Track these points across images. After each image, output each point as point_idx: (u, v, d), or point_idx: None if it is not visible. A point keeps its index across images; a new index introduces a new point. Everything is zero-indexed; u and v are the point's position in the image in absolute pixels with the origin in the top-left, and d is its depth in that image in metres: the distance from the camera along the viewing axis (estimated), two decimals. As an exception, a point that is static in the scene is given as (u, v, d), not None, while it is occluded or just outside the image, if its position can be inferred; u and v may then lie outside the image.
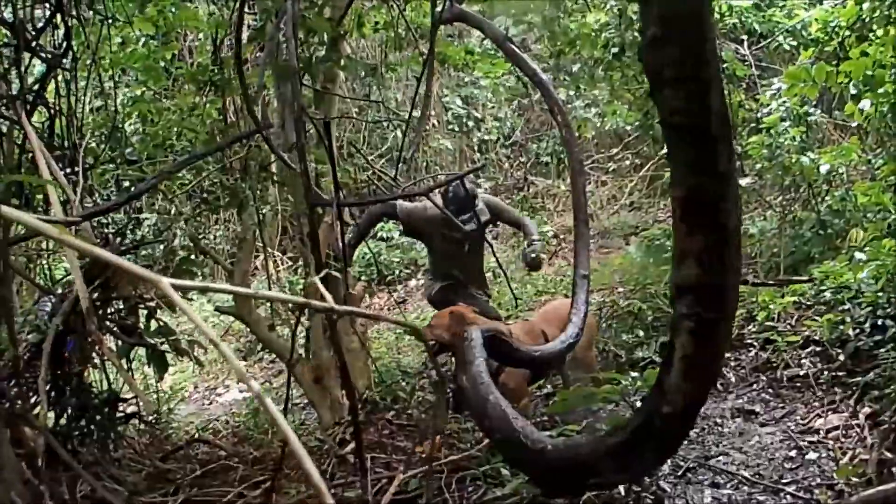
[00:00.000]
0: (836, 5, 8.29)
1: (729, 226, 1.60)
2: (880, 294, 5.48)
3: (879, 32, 6.29)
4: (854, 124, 6.93)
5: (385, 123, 12.58)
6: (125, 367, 4.66)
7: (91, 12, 5.73)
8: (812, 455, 4.08)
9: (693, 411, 1.85)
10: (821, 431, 4.30)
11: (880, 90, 5.97)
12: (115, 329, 4.50)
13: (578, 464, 2.27)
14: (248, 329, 6.12)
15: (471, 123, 14.43)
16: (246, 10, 6.52)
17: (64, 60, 5.01)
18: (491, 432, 2.58)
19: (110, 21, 5.54)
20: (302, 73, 5.28)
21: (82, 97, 5.31)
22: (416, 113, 5.81)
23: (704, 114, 1.54)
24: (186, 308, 1.20)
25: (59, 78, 5.08)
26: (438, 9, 4.86)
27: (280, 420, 1.13)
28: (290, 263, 11.46)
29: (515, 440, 2.37)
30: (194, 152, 5.47)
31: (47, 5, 5.10)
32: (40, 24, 5.05)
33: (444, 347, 5.10)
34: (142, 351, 4.70)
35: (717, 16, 10.17)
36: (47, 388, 3.85)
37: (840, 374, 5.02)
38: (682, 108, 1.53)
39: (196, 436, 6.22)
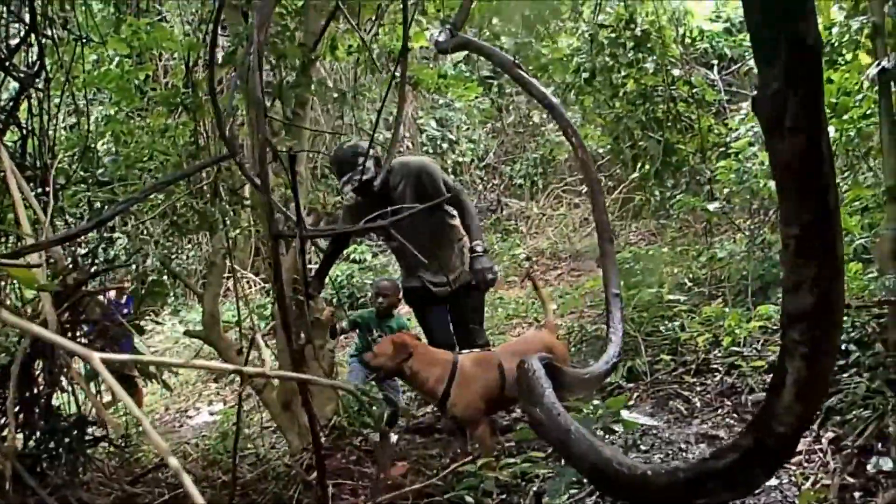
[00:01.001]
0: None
1: (838, 256, 1.73)
2: (844, 318, 5.54)
3: (848, 57, 6.37)
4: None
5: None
6: (93, 390, 4.67)
7: (65, 31, 5.73)
8: (773, 481, 4.11)
9: (803, 429, 1.98)
10: (783, 457, 4.33)
11: (845, 116, 6.05)
12: (83, 352, 4.50)
13: (685, 486, 2.32)
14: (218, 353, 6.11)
15: (445, 145, 14.50)
16: (219, 32, 6.59)
17: (37, 80, 5.00)
18: (580, 462, 2.60)
19: (84, 41, 5.53)
20: (272, 99, 5.32)
21: (55, 117, 5.32)
22: (386, 134, 5.83)
23: (818, 158, 1.66)
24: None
25: (32, 98, 5.07)
26: (441, 38, 4.93)
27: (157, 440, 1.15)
28: (262, 285, 11.45)
29: (611, 469, 2.40)
30: (166, 175, 5.48)
31: (21, 25, 5.10)
32: (14, 43, 5.04)
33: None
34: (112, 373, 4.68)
35: (688, 40, 10.31)
36: (16, 410, 3.85)
37: (803, 398, 5.07)
38: (798, 154, 1.65)
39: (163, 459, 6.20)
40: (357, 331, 7.17)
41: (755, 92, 1.86)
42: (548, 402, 2.78)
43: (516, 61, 5.11)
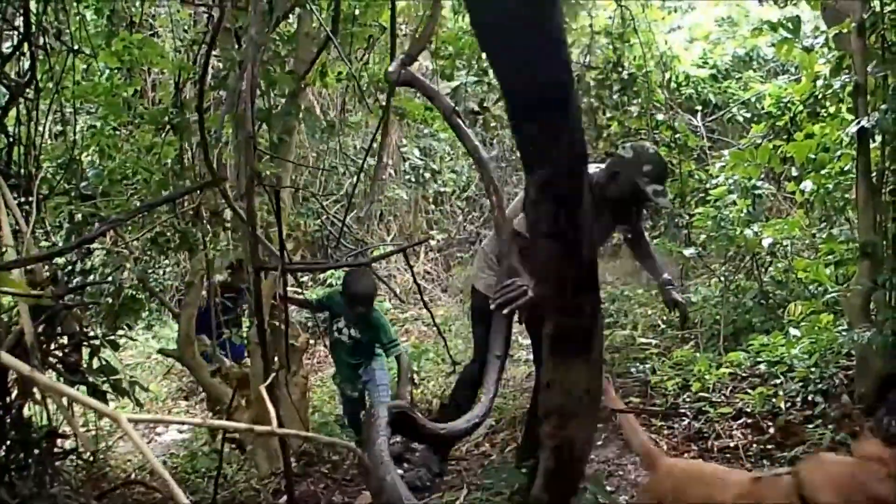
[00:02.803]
0: (790, 80, 8.54)
1: (592, 359, 1.78)
2: (813, 369, 5.63)
3: (832, 109, 6.47)
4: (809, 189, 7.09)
5: (341, 170, 12.64)
6: (65, 404, 4.66)
7: (58, 42, 5.75)
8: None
9: None
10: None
11: (823, 171, 6.14)
12: (57, 365, 4.51)
13: None
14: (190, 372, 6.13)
15: (427, 175, 14.53)
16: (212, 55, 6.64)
17: (27, 90, 5.02)
18: None
19: (76, 53, 5.55)
20: (260, 124, 5.36)
21: (42, 127, 5.33)
22: (371, 162, 5.86)
23: (577, 263, 1.72)
24: (140, 443, 1.26)
25: (21, 106, 5.09)
26: (391, 68, 4.95)
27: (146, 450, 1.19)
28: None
29: None
30: (149, 195, 5.50)
31: (15, 33, 5.13)
32: (7, 52, 5.07)
33: None
34: (84, 387, 4.69)
35: (674, 85, 10.43)
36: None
37: (769, 446, 5.12)
38: (555, 257, 1.72)
39: (133, 475, 6.19)
40: (327, 314, 6.83)
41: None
42: (377, 449, 2.86)
43: (456, 109, 5.18)
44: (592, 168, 5.03)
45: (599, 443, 5.84)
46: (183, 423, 5.48)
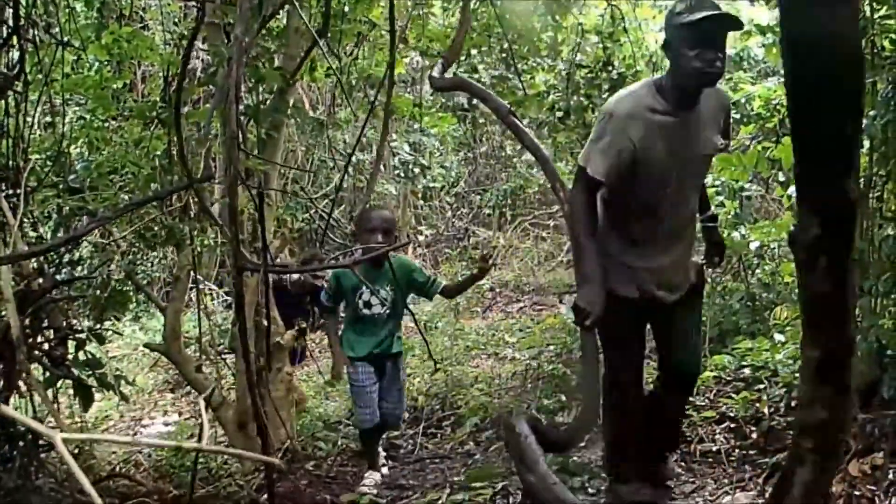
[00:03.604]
0: (780, 82, 8.55)
1: (849, 383, 1.91)
2: (797, 375, 5.63)
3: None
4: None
5: (331, 164, 12.64)
6: (50, 397, 4.67)
7: (47, 35, 5.74)
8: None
9: None
10: (727, 509, 4.41)
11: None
12: (43, 359, 4.52)
13: None
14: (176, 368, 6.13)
15: (417, 170, 14.54)
16: (200, 47, 6.64)
17: (16, 82, 5.02)
18: None
19: (65, 45, 5.55)
20: (247, 120, 5.36)
21: (31, 119, 5.33)
22: (359, 156, 5.84)
23: (843, 296, 1.84)
24: (73, 464, 1.26)
25: (10, 99, 5.08)
26: (434, 73, 4.96)
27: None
28: (226, 298, 11.42)
29: None
30: (137, 189, 5.50)
31: (4, 27, 5.12)
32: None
33: None
34: (68, 379, 4.70)
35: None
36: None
37: (752, 452, 5.12)
38: (828, 291, 1.83)
39: (118, 468, 6.19)
40: (342, 304, 5.85)
41: (794, 228, 2.01)
42: (541, 470, 2.92)
43: (511, 109, 5.19)
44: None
45: (583, 445, 5.86)
46: (117, 443, 5.51)
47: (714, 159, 7.14)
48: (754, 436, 5.29)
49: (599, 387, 4.43)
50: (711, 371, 6.23)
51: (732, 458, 5.12)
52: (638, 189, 4.06)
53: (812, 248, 1.81)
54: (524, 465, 3.01)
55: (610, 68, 9.09)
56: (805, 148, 1.78)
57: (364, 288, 5.54)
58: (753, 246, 7.24)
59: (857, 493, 4.07)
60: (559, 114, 9.05)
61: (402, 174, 14.27)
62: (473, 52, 9.65)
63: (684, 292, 4.36)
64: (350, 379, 5.71)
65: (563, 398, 6.71)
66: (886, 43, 5.30)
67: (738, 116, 10.18)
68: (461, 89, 5.45)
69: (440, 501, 4.96)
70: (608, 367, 4.54)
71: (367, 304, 5.65)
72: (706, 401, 5.92)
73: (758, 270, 7.95)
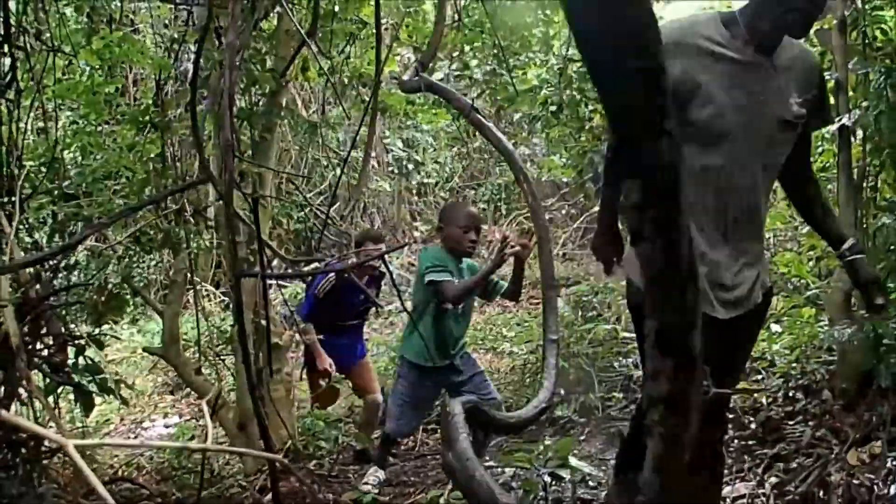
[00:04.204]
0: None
1: (693, 351, 1.88)
2: (794, 365, 5.67)
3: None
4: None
5: (325, 163, 12.65)
6: (51, 403, 4.68)
7: (38, 42, 5.74)
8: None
9: (663, 500, 2.16)
10: (727, 500, 4.42)
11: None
12: (43, 366, 4.53)
13: None
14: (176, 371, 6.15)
15: (411, 166, 14.56)
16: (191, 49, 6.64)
17: (8, 90, 5.02)
18: None
19: (56, 52, 5.55)
20: (241, 123, 5.37)
21: (24, 127, 5.33)
22: (354, 155, 5.84)
23: (676, 262, 1.80)
24: (85, 468, 1.27)
25: (2, 107, 5.08)
26: (406, 77, 4.96)
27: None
28: (223, 299, 11.43)
29: None
30: (131, 197, 5.50)
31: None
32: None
33: None
34: (69, 386, 4.71)
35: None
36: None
37: (751, 442, 5.16)
38: (658, 258, 1.80)
39: (120, 472, 6.21)
40: (443, 294, 5.26)
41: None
42: (460, 447, 2.90)
43: (474, 105, 5.20)
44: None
45: (582, 438, 5.90)
46: (127, 447, 5.53)
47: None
48: (753, 426, 5.32)
49: (556, 372, 4.42)
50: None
51: (732, 449, 5.15)
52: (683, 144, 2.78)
53: (636, 215, 1.81)
54: (446, 442, 3.03)
55: (603, 61, 9.10)
56: (608, 108, 1.77)
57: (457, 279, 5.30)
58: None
59: (855, 481, 4.10)
60: (552, 108, 9.06)
61: (396, 170, 14.29)
62: (466, 48, 9.67)
63: (744, 312, 3.24)
64: (404, 385, 5.48)
65: (562, 391, 6.71)
66: (878, 34, 5.32)
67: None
68: (427, 90, 5.44)
69: (441, 498, 4.98)
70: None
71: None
72: (705, 392, 5.94)
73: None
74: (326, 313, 6.42)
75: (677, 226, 1.89)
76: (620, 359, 7.01)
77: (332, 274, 6.28)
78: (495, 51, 9.34)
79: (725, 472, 4.83)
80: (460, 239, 5.30)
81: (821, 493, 4.16)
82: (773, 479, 4.47)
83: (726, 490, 4.54)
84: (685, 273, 1.92)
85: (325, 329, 6.45)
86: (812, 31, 5.75)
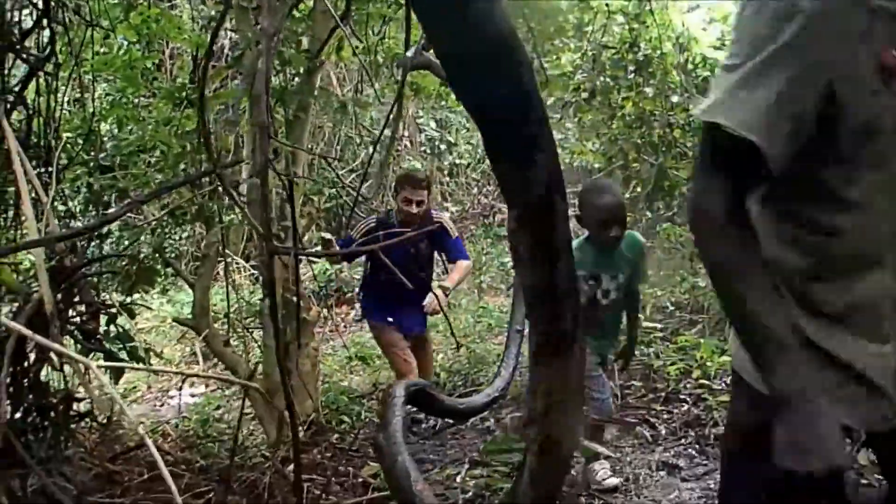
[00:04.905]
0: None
1: (573, 363, 1.92)
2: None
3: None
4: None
5: (357, 140, 12.72)
6: (81, 369, 4.81)
7: (76, 16, 5.84)
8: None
9: None
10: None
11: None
12: (75, 332, 4.64)
13: None
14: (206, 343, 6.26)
15: (443, 146, 14.58)
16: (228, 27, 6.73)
17: (47, 64, 5.12)
18: (393, 491, 2.83)
19: (94, 26, 5.64)
20: (275, 102, 5.45)
21: (62, 100, 5.43)
22: (387, 135, 5.87)
23: (552, 285, 1.87)
24: (112, 391, 1.36)
25: (41, 80, 5.18)
26: (409, 54, 5.01)
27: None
28: (253, 272, 11.54)
29: (411, 501, 2.62)
30: (166, 170, 5.61)
31: (34, 10, 5.22)
32: (27, 27, 5.16)
33: None
34: (100, 353, 4.82)
35: (690, 66, 10.44)
36: (7, 382, 3.98)
37: (764, 436, 5.21)
38: (535, 281, 1.86)
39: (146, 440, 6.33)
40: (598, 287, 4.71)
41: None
42: (391, 430, 2.96)
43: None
44: None
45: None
46: (144, 370, 5.57)
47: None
48: (765, 419, 5.35)
49: (515, 363, 4.42)
50: (728, 356, 6.30)
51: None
52: (837, 176, 1.81)
53: (513, 239, 1.87)
54: (380, 423, 3.10)
55: (636, 49, 9.10)
56: (488, 145, 1.84)
57: (602, 272, 4.66)
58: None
59: (864, 481, 4.14)
60: (584, 94, 9.08)
61: (429, 151, 14.32)
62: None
63: None
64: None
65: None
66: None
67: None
68: (427, 68, 5.47)
69: (459, 475, 5.06)
70: None
71: (606, 293, 4.72)
72: (722, 385, 6.00)
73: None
74: (371, 266, 6.38)
75: (550, 250, 1.94)
76: (642, 347, 7.04)
77: (370, 219, 6.29)
78: (529, 35, 9.36)
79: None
80: (600, 235, 4.58)
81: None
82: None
83: None
84: (560, 291, 1.98)
85: (373, 286, 6.36)
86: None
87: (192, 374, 6.20)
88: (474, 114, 1.79)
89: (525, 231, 1.81)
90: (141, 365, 4.83)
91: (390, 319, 6.32)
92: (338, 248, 5.86)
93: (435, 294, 5.98)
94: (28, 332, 2.55)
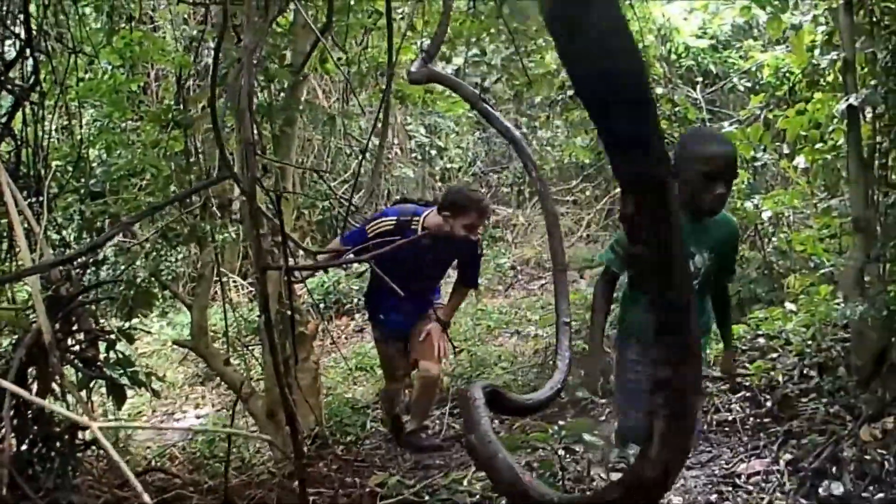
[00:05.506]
0: (788, 50, 8.57)
1: (689, 342, 2.03)
2: (809, 343, 5.72)
3: (829, 78, 6.37)
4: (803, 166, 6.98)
5: (347, 151, 12.72)
6: (84, 397, 4.81)
7: (59, 43, 5.85)
8: (730, 501, 4.27)
9: (672, 473, 2.29)
10: (742, 476, 4.50)
11: (818, 145, 6.17)
12: (75, 361, 4.65)
13: None
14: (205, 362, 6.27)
15: (433, 152, 14.59)
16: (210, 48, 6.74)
17: (32, 93, 5.13)
18: (501, 485, 2.87)
19: (77, 53, 5.65)
20: (261, 118, 5.47)
21: (49, 128, 5.44)
22: (375, 142, 5.87)
23: (669, 264, 1.97)
24: (112, 452, 1.37)
25: (27, 109, 5.19)
26: (413, 68, 5.00)
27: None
28: (250, 289, 11.55)
29: (523, 493, 2.66)
30: (156, 193, 5.62)
31: (16, 41, 5.23)
32: (10, 58, 5.17)
33: None
34: (101, 380, 4.83)
35: (673, 56, 10.47)
36: (11, 415, 3.99)
37: (766, 420, 5.22)
38: (652, 260, 1.95)
39: (153, 463, 6.35)
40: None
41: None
42: (482, 429, 3.00)
43: (481, 95, 5.26)
44: None
45: (602, 418, 5.96)
46: (148, 429, 5.61)
47: (727, 127, 7.11)
48: (768, 404, 5.38)
49: (569, 354, 4.48)
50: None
51: (747, 427, 5.22)
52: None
53: (631, 223, 1.97)
54: (468, 425, 3.14)
55: (618, 43, 9.11)
56: (605, 140, 1.92)
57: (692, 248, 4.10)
58: (766, 216, 7.29)
59: (867, 457, 4.17)
60: (570, 91, 9.10)
61: (420, 157, 14.32)
62: (483, 35, 9.70)
63: None
64: (624, 378, 4.43)
65: (582, 373, 6.77)
66: (886, 17, 5.32)
67: (749, 84, 10.22)
68: (435, 81, 5.46)
69: (465, 479, 5.07)
70: None
71: (696, 273, 4.17)
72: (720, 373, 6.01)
73: (773, 238, 8.00)
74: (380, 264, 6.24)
75: (667, 231, 2.05)
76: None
77: (390, 218, 5.93)
78: (512, 36, 9.39)
79: (741, 449, 4.93)
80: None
81: (833, 469, 4.23)
82: (788, 456, 4.54)
83: (741, 467, 4.63)
84: (676, 270, 2.07)
85: (379, 287, 6.06)
86: (825, 10, 5.79)
87: (200, 430, 6.17)
88: (598, 120, 1.87)
89: (643, 216, 1.91)
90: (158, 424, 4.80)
91: (392, 319, 6.28)
92: (344, 240, 5.89)
93: (438, 318, 6.13)
94: (17, 390, 2.55)
